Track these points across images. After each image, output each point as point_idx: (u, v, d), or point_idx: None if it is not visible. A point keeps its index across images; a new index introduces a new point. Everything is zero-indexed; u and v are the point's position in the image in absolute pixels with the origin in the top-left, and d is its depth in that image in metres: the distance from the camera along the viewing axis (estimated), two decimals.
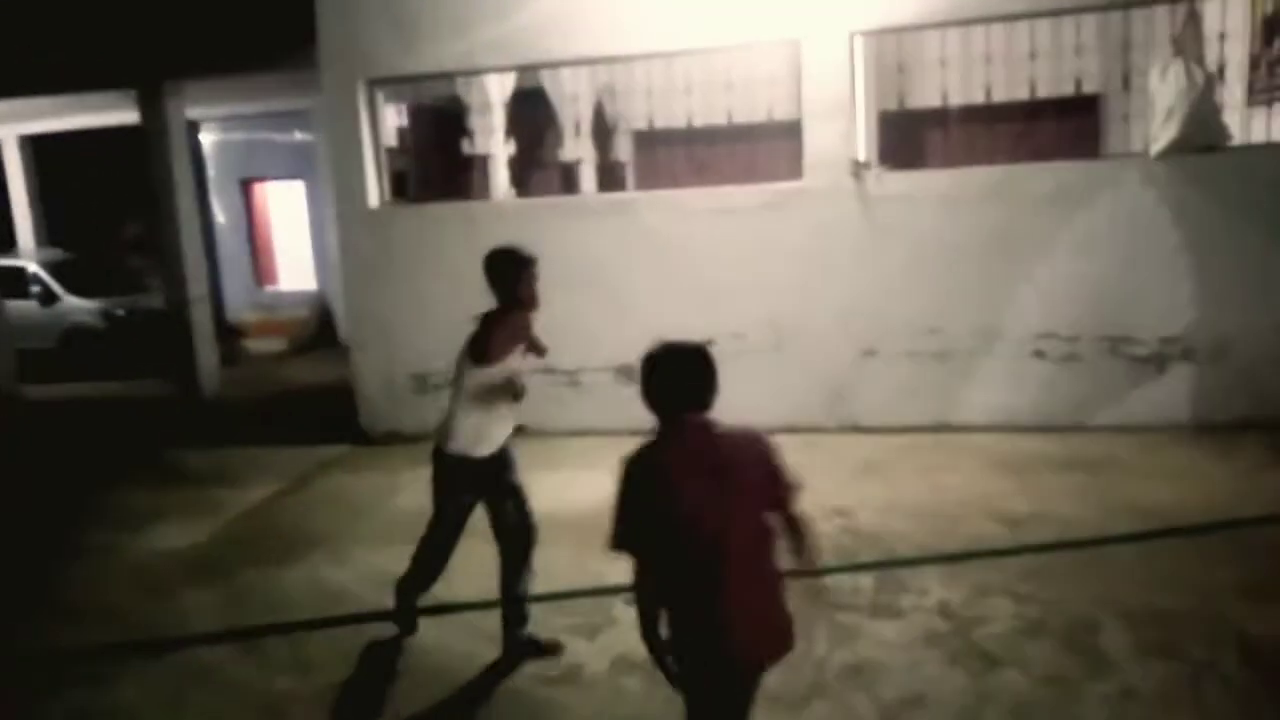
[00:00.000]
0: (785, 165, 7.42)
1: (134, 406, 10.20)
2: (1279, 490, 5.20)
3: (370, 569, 4.97)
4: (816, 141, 6.87)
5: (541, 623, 4.02)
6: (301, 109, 12.99)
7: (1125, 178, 6.47)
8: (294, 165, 14.27)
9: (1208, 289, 6.38)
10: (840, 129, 6.80)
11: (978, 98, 10.90)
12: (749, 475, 2.39)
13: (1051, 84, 11.30)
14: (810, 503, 5.23)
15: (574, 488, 5.88)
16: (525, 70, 9.75)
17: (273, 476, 6.92)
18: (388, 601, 4.21)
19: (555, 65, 8.44)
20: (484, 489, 3.85)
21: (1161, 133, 6.36)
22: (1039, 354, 6.71)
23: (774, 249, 6.99)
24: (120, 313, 12.56)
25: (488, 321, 3.84)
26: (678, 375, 2.47)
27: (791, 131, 7.31)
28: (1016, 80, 11.39)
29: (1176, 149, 6.27)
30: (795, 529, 2.46)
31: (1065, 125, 11.04)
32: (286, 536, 5.62)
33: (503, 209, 7.63)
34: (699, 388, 2.46)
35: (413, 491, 6.27)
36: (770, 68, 8.54)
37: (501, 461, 3.87)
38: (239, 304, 14.47)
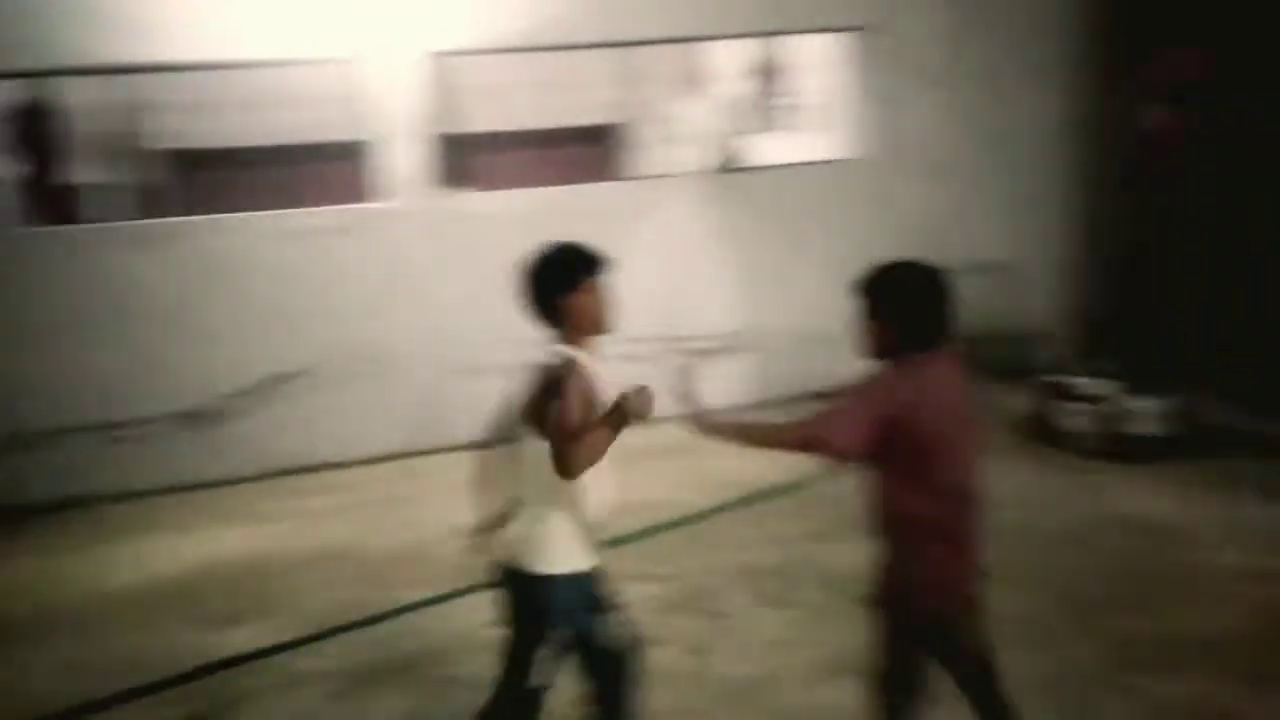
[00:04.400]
0: (350, 187, 7.24)
1: None
2: None
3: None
4: (388, 162, 6.79)
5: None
6: None
7: (669, 195, 7.33)
8: None
9: (746, 289, 7.46)
10: (412, 150, 6.79)
11: (512, 125, 11.57)
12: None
13: (581, 113, 12.40)
14: (430, 528, 5.32)
15: (163, 557, 5.22)
16: (34, 76, 8.31)
17: None
18: None
19: (75, 72, 7.29)
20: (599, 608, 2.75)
21: (694, 156, 7.31)
22: (619, 357, 7.30)
23: (352, 272, 6.76)
24: None
25: (551, 374, 2.59)
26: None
27: (354, 152, 7.16)
28: (549, 109, 12.28)
29: (713, 169, 7.24)
30: None
31: (593, 150, 12.21)
32: None
33: (22, 241, 6.40)
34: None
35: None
36: (331, 86, 8.26)
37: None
38: None
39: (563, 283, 2.68)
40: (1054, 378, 6.08)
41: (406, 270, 6.83)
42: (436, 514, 5.60)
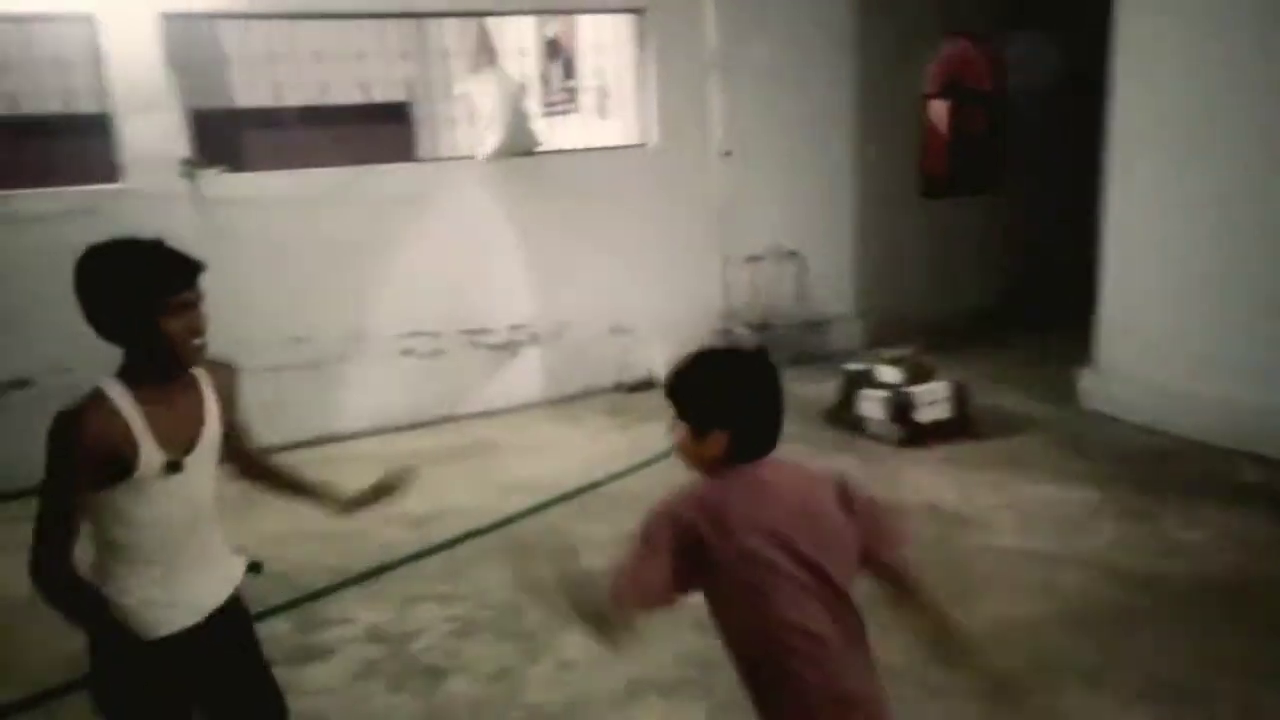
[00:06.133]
0: (87, 166, 6.31)
1: None
2: (623, 447, 6.06)
3: None
4: (133, 137, 5.95)
5: None
6: None
7: (460, 179, 6.90)
8: None
9: (543, 279, 7.15)
10: (160, 123, 5.99)
11: (291, 100, 10.68)
12: None
13: (365, 89, 11.64)
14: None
15: None
16: None
17: None
18: None
19: None
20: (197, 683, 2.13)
21: (487, 138, 6.91)
22: (407, 352, 6.82)
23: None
24: None
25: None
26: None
27: (87, 127, 6.26)
28: (336, 83, 11.45)
29: (501, 154, 6.86)
30: None
31: (383, 130, 11.50)
32: None
33: None
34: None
35: None
36: (60, 49, 7.19)
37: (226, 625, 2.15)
38: None
39: (137, 306, 1.94)
40: (852, 366, 6.21)
41: None
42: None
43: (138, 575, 1.99)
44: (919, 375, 5.82)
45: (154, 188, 5.96)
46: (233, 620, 2.16)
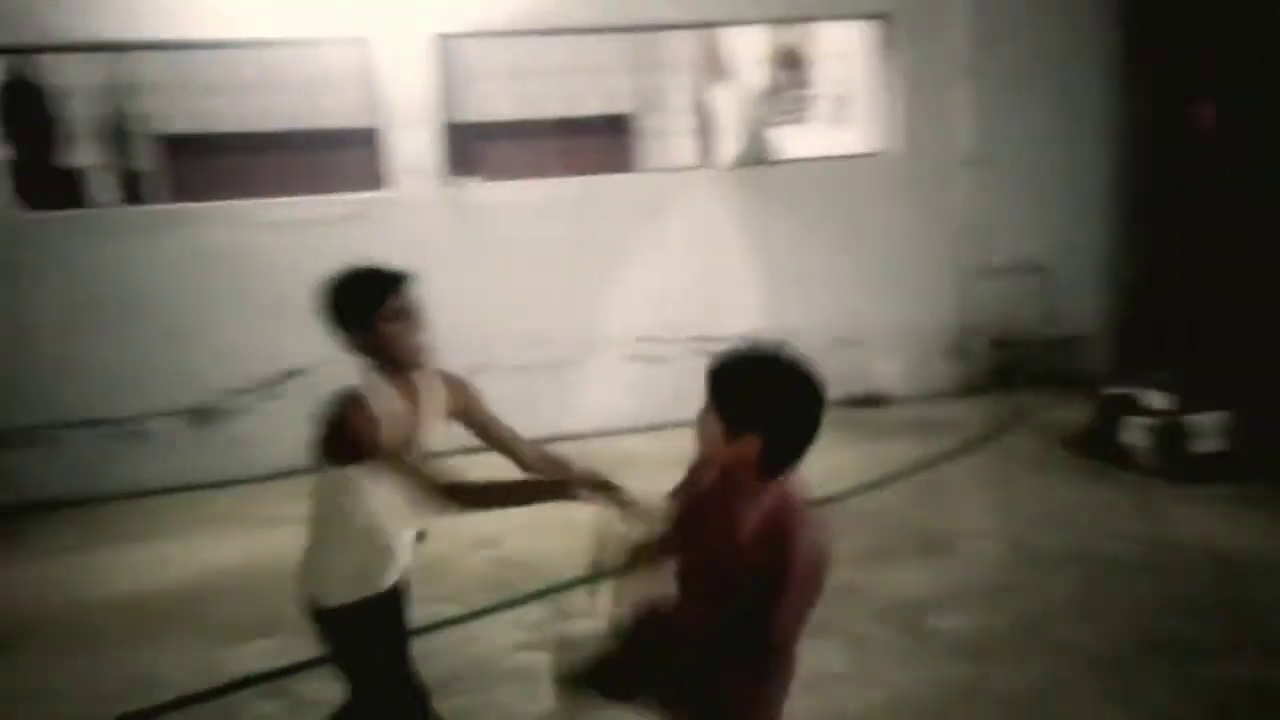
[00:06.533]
0: (354, 176, 6.88)
1: None
2: (847, 463, 5.90)
3: None
4: (401, 149, 6.44)
5: None
6: None
7: (695, 188, 6.98)
8: None
9: (771, 288, 7.11)
10: (424, 136, 6.45)
11: (525, 113, 11.20)
12: None
13: (597, 102, 12.03)
14: (452, 537, 4.97)
15: (162, 561, 4.88)
16: (16, 51, 7.92)
17: None
18: None
19: (65, 49, 6.90)
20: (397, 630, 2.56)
21: (725, 147, 6.96)
22: (635, 357, 6.98)
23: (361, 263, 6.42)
24: None
25: (333, 412, 2.28)
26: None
27: (352, 139, 6.81)
28: (564, 96, 11.91)
29: (737, 163, 6.89)
30: None
31: (604, 142, 11.84)
32: None
33: (14, 227, 6.03)
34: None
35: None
36: (336, 68, 7.90)
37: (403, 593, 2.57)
38: None
39: (355, 317, 2.32)
40: (1114, 389, 5.74)
41: (416, 262, 6.44)
42: (452, 521, 5.25)
43: (368, 539, 2.35)
44: (1193, 401, 5.30)
45: (416, 195, 6.42)
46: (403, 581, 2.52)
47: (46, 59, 9.30)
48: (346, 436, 2.21)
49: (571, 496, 2.28)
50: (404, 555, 2.47)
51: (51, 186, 9.78)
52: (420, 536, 2.55)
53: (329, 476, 2.31)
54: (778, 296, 7.11)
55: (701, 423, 1.86)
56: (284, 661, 3.77)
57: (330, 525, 2.37)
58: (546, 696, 3.30)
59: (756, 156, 6.96)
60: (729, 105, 6.99)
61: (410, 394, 2.37)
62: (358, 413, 2.22)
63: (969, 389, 7.28)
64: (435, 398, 2.43)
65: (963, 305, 7.38)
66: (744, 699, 1.85)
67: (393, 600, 2.48)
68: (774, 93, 8.97)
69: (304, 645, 3.85)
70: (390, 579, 2.43)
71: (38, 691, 3.79)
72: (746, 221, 6.97)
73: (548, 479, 2.42)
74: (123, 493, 6.03)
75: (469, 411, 2.54)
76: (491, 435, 2.58)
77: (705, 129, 7.38)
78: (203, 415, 6.28)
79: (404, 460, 2.24)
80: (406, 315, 2.32)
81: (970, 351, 7.20)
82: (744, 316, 7.10)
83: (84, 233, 6.09)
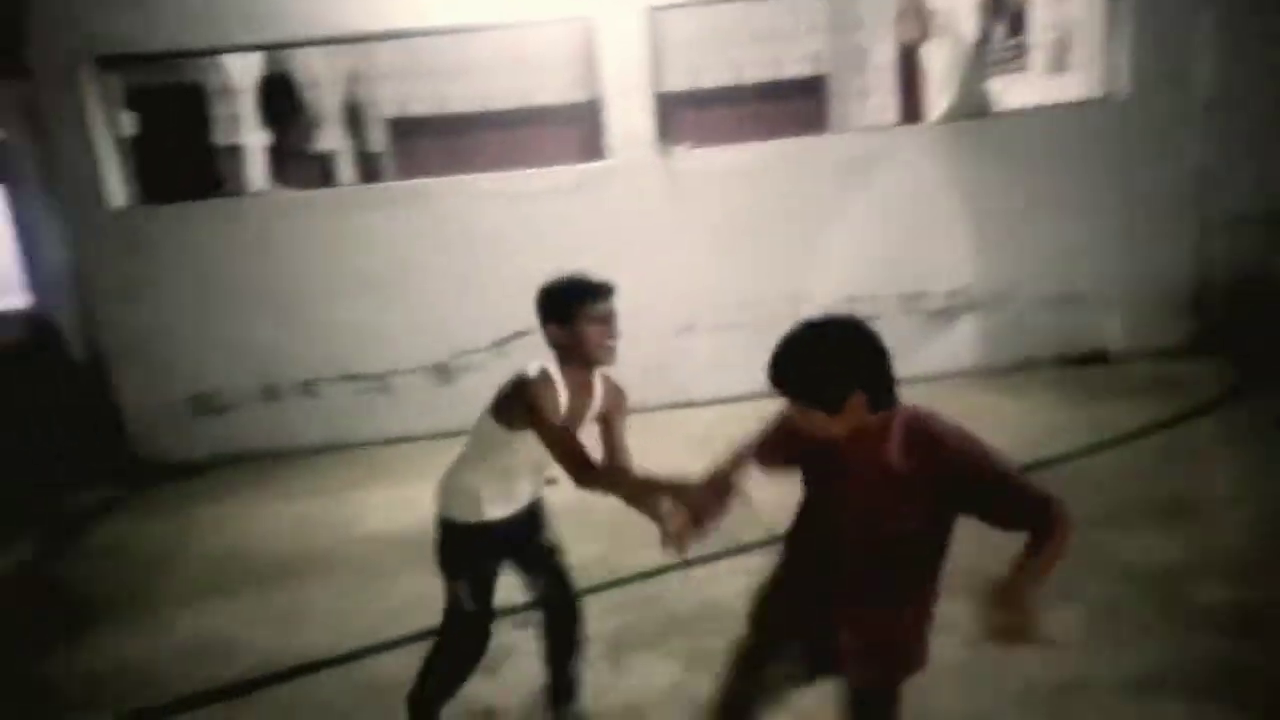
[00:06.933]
0: (569, 150, 7.22)
1: None
2: (1064, 423, 5.72)
3: (183, 634, 4.25)
4: (620, 120, 6.71)
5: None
6: None
7: (905, 145, 6.86)
8: None
9: (984, 245, 6.92)
10: (637, 107, 6.70)
11: (722, 80, 11.19)
12: None
13: (791, 64, 11.90)
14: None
15: (412, 502, 5.41)
16: (278, 48, 8.83)
17: (30, 529, 5.79)
18: (221, 673, 3.57)
19: (312, 43, 7.63)
20: (509, 554, 3.05)
21: (935, 102, 6.80)
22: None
23: (583, 232, 6.77)
24: None
25: (524, 384, 2.70)
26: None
27: (562, 115, 7.12)
28: (757, 61, 11.85)
29: (951, 117, 6.71)
30: None
31: (799, 104, 11.70)
32: (67, 606, 4.69)
33: (278, 203, 6.83)
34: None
35: (216, 532, 5.52)
36: (552, 47, 8.28)
37: (532, 520, 3.06)
38: None
39: (561, 312, 2.72)
40: None
41: (632, 229, 6.77)
42: (670, 470, 5.53)
43: (495, 484, 2.86)
44: None
45: (632, 164, 6.70)
46: (535, 513, 3.04)
47: (296, 53, 10.30)
48: (527, 406, 2.63)
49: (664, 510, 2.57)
50: (520, 502, 2.94)
51: (303, 168, 10.89)
52: (550, 481, 2.99)
53: (492, 427, 2.77)
54: (991, 253, 6.92)
55: (805, 419, 2.03)
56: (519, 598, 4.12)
57: (476, 462, 2.87)
58: None
59: (971, 109, 6.75)
60: (939, 58, 6.80)
61: (585, 387, 2.80)
62: (545, 391, 2.65)
63: (1202, 346, 6.82)
64: (599, 396, 2.87)
65: (1197, 258, 6.89)
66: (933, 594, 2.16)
67: (500, 537, 2.93)
68: (986, 42, 8.62)
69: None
70: (499, 514, 2.90)
71: (325, 611, 4.36)
72: (958, 176, 6.80)
73: (667, 483, 2.59)
74: (373, 441, 6.74)
75: (612, 415, 2.93)
76: (611, 440, 2.95)
77: (909, 85, 7.21)
78: (441, 372, 6.88)
79: (563, 434, 2.64)
80: (603, 320, 2.72)
81: (1205, 306, 6.73)
82: (956, 272, 6.96)
83: (333, 209, 6.77)
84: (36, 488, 6.52)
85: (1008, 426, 5.69)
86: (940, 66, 6.80)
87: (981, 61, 6.88)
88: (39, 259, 12.49)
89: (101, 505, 6.18)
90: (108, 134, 6.59)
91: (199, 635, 4.21)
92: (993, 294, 6.99)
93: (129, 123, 6.91)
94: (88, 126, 6.44)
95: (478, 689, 3.34)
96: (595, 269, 7.06)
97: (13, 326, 12.27)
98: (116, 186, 6.63)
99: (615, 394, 2.94)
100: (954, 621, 2.38)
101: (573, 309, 2.71)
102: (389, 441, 6.72)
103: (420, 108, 11.98)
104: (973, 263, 6.96)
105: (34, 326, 12.07)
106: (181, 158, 9.14)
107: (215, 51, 7.57)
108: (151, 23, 6.35)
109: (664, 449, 5.72)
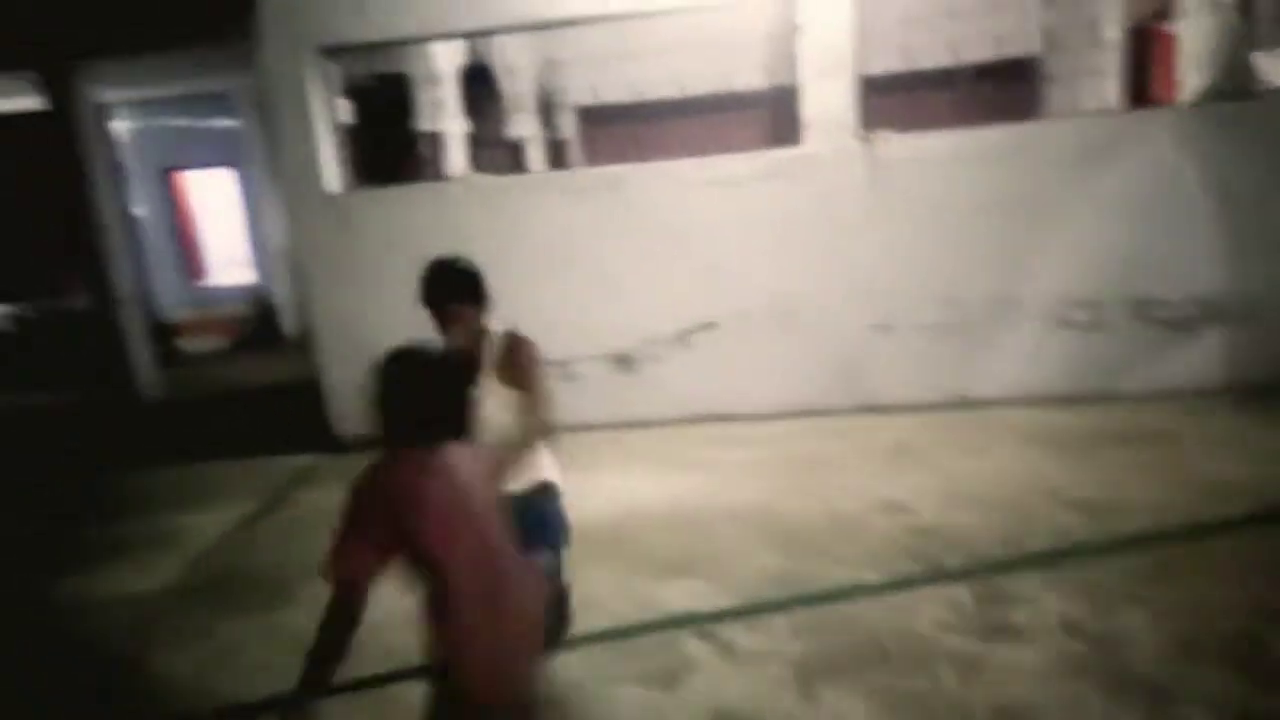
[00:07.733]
0: (750, 136, 6.91)
1: (64, 416, 9.24)
2: None
3: (384, 606, 4.30)
4: (817, 103, 6.35)
5: (603, 671, 3.45)
6: (221, 92, 12.06)
7: (1151, 131, 6.10)
8: (219, 152, 13.23)
9: (1237, 246, 6.08)
10: (840, 89, 6.31)
11: (916, 64, 10.49)
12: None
13: (984, 47, 11.02)
14: (859, 497, 4.91)
15: (594, 492, 5.35)
16: (487, 34, 9.03)
17: (239, 496, 6.15)
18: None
19: (507, 29, 7.66)
20: None
21: (1191, 80, 6.01)
22: (1061, 321, 6.34)
23: (776, 220, 6.48)
24: (31, 315, 11.49)
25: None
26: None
27: (749, 101, 6.80)
28: (961, 42, 11.06)
29: (1209, 97, 5.91)
30: None
31: (1004, 88, 10.79)
32: (270, 571, 4.90)
33: (477, 189, 6.93)
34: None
35: None
36: (745, 31, 8.00)
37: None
38: (169, 302, 13.41)
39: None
40: None
41: (829, 218, 6.41)
42: (860, 481, 5.19)
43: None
44: None
45: (829, 150, 6.33)
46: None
47: (493, 43, 10.53)
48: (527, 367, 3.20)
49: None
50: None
51: (496, 155, 11.14)
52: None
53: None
54: (1247, 254, 6.07)
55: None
56: (707, 605, 3.94)
57: None
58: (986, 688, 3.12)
59: (1236, 87, 5.91)
60: (1189, 32, 5.99)
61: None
62: (538, 354, 3.26)
63: None
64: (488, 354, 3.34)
65: None
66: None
67: None
68: (1251, 13, 7.59)
69: (722, 590, 4.04)
70: None
71: None
72: (1209, 167, 5.99)
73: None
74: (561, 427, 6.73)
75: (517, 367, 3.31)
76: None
77: (1139, 66, 6.42)
78: (623, 361, 6.79)
79: (545, 395, 3.15)
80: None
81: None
82: (1199, 279, 6.16)
83: (527, 194, 6.78)
84: (256, 454, 7.02)
85: (1259, 457, 4.95)
86: (1193, 41, 5.98)
87: (1244, 33, 6.01)
88: (262, 240, 13.58)
89: (305, 473, 6.50)
90: (327, 121, 6.89)
91: (402, 607, 4.25)
92: (1247, 302, 6.13)
93: (345, 110, 7.22)
94: (308, 113, 6.75)
95: (651, 701, 3.16)
96: (788, 259, 6.78)
97: (243, 302, 13.42)
98: (332, 171, 6.92)
99: (513, 347, 3.29)
100: None
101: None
102: (569, 429, 6.68)
103: (609, 95, 12.01)
104: (1223, 266, 6.12)
105: (259, 304, 13.13)
106: (388, 144, 9.55)
107: (425, 39, 7.76)
108: (367, 14, 6.57)
109: (863, 460, 5.42)
